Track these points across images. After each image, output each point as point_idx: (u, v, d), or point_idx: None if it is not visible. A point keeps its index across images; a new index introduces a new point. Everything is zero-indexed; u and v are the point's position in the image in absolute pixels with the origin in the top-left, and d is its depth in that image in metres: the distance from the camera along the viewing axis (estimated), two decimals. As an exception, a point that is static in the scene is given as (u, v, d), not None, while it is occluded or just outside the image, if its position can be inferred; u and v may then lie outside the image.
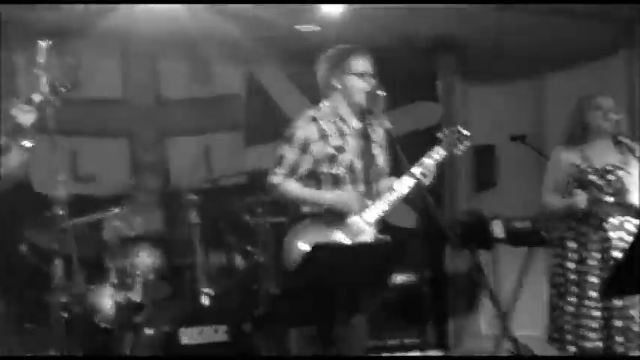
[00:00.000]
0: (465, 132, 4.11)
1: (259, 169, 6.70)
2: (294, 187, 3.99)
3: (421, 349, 6.09)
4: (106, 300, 5.47)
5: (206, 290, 5.34)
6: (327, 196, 3.96)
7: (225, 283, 5.88)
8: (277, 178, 3.99)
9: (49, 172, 5.09)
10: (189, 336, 5.06)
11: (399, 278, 5.53)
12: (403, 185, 3.97)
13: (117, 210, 5.50)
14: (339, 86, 4.06)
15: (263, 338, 5.46)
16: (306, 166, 3.99)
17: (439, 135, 4.12)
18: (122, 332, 5.31)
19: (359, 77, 4.03)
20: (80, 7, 5.49)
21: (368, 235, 3.93)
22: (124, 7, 5.58)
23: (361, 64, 4.07)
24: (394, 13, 5.89)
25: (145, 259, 5.52)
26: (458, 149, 4.12)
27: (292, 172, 3.98)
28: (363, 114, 4.08)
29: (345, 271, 3.32)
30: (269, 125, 6.84)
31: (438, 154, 4.05)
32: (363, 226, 3.93)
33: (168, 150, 6.91)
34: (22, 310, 5.56)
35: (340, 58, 4.09)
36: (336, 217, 3.92)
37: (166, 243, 5.82)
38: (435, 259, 6.47)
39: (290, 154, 3.99)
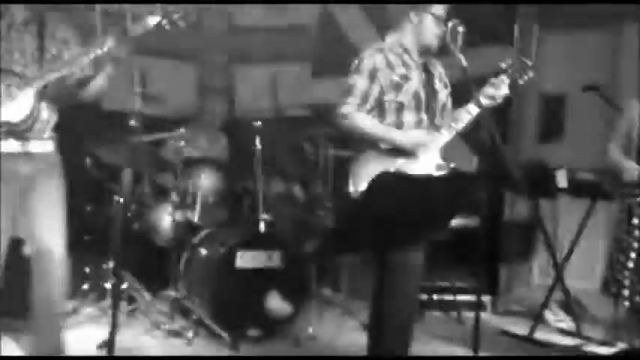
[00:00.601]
0: (528, 61, 4.09)
1: (325, 101, 6.75)
2: (365, 121, 4.00)
3: (472, 293, 6.10)
4: (166, 218, 5.59)
5: (264, 216, 5.37)
6: (398, 136, 3.97)
7: (283, 211, 5.94)
8: (349, 107, 4.01)
9: (122, 89, 5.18)
10: (243, 259, 5.12)
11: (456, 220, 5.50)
12: (467, 113, 4.01)
13: (182, 131, 5.55)
14: (415, 21, 4.10)
15: (315, 268, 5.53)
16: (375, 94, 4.02)
17: (502, 64, 4.10)
18: (178, 251, 5.41)
19: (435, 19, 4.08)
20: None
21: (431, 167, 3.98)
22: None
23: (439, 7, 4.11)
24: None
25: (206, 181, 5.60)
26: (521, 78, 4.09)
27: (363, 101, 4.01)
28: (426, 52, 4.14)
29: (408, 202, 3.34)
30: (338, 59, 6.80)
31: (502, 82, 4.04)
32: (427, 158, 3.98)
33: (236, 76, 6.95)
34: (83, 223, 5.72)
35: None
36: (400, 151, 3.97)
37: (228, 167, 5.87)
38: (493, 203, 6.39)
39: (360, 82, 4.01)
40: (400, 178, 3.71)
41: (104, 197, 5.64)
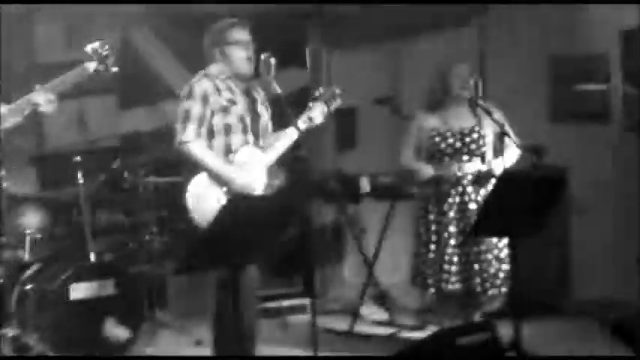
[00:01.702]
0: (338, 90, 4.62)
1: (136, 131, 6.97)
2: (203, 153, 4.30)
3: (291, 298, 6.57)
4: (-6, 258, 5.61)
5: (93, 247, 5.54)
6: (233, 174, 4.30)
7: (111, 240, 6.13)
8: (188, 135, 4.29)
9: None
10: (77, 291, 5.28)
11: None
12: (288, 136, 4.45)
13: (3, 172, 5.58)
14: (222, 56, 4.47)
15: (147, 291, 5.77)
16: (207, 117, 4.33)
17: (316, 93, 4.60)
18: (9, 289, 5.45)
19: (238, 46, 4.45)
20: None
21: (260, 186, 4.39)
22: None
23: (241, 33, 4.49)
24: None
25: (32, 218, 5.67)
26: (332, 105, 4.61)
27: (200, 125, 4.31)
28: (245, 78, 4.51)
29: (255, 221, 3.68)
30: (143, 88, 7.04)
31: (317, 108, 4.54)
32: (256, 178, 4.37)
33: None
34: None
35: (221, 30, 4.51)
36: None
37: (52, 202, 5.95)
38: (304, 213, 6.85)
39: (194, 107, 4.32)
40: (249, 200, 4.04)
41: None
